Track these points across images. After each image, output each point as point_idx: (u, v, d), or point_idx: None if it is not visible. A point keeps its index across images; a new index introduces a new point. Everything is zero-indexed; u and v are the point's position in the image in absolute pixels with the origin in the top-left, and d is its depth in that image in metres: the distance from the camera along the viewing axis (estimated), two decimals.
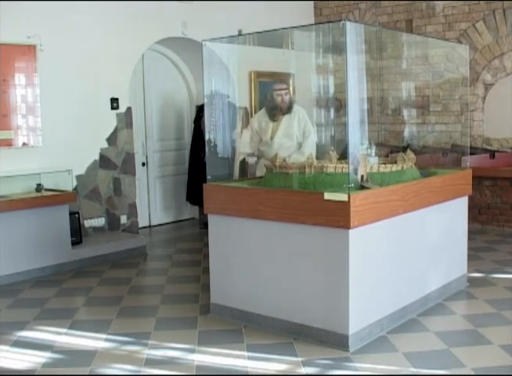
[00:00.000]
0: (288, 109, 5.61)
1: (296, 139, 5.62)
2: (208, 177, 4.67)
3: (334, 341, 3.94)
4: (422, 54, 7.64)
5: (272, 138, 5.60)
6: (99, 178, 6.91)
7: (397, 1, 8.41)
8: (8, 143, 6.04)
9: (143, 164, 8.17)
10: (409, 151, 4.85)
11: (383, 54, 7.89)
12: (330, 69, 6.93)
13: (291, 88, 8.58)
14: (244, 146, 5.71)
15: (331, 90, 7.15)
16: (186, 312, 4.74)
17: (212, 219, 4.56)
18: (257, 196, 4.24)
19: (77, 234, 6.36)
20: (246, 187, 4.52)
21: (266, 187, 4.40)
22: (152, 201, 8.38)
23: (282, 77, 5.99)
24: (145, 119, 8.18)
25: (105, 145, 6.95)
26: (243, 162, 5.83)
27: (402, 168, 4.58)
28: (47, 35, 6.26)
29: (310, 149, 5.50)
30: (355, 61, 4.06)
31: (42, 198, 5.91)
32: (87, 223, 6.81)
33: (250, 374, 3.63)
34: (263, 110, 5.80)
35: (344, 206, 3.77)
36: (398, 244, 4.34)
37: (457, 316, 4.56)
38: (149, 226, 8.31)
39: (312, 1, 9.24)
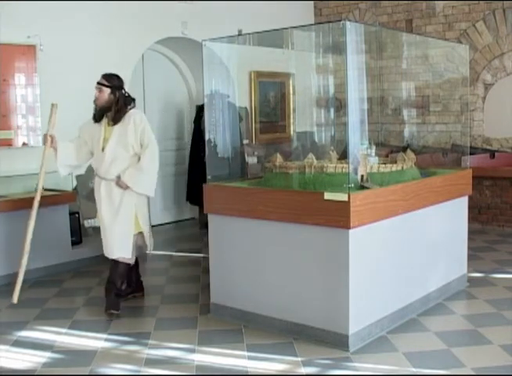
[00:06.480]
0: (118, 113, 4.71)
1: (132, 149, 4.64)
2: (208, 177, 4.67)
3: (334, 341, 3.94)
4: (422, 54, 7.63)
5: (103, 148, 4.69)
6: None
7: (397, 1, 8.41)
8: (8, 143, 6.04)
9: None
10: (409, 151, 4.85)
11: (383, 54, 7.88)
12: (330, 69, 6.92)
13: (290, 88, 8.62)
14: (66, 157, 4.86)
15: (331, 90, 7.14)
16: (186, 312, 4.74)
17: (212, 219, 4.56)
18: (257, 196, 4.24)
19: (77, 234, 6.36)
20: (246, 187, 4.52)
21: (266, 187, 4.40)
22: (152, 201, 8.35)
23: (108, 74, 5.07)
24: None
25: None
26: None
27: (402, 168, 4.57)
28: (47, 35, 6.26)
29: (151, 162, 4.63)
30: (355, 61, 4.06)
31: (42, 198, 5.87)
32: (87, 223, 6.79)
33: (250, 374, 3.63)
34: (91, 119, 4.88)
35: (344, 206, 3.77)
36: (398, 244, 4.34)
37: (457, 316, 4.56)
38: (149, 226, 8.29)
39: (312, 1, 9.24)
